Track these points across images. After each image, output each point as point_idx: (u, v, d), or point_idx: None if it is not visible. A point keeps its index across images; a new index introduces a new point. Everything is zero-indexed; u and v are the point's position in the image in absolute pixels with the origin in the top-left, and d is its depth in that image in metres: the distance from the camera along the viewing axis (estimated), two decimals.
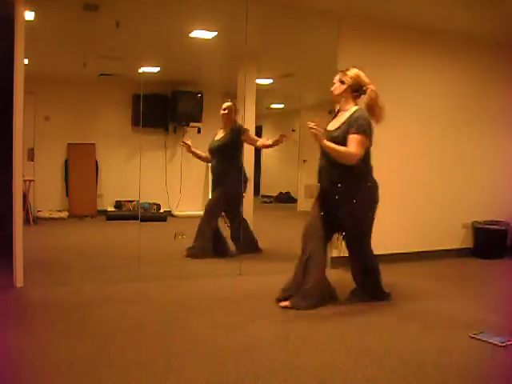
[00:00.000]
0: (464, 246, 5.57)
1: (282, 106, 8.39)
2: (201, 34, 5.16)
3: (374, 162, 5.03)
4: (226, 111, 5.04)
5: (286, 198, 8.48)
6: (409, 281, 4.44)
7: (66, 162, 6.51)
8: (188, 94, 6.12)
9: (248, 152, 5.85)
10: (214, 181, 5.11)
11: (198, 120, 6.25)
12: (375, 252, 5.05)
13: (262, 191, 8.49)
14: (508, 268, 5.19)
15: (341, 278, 4.53)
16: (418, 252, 5.24)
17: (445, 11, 4.61)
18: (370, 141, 3.53)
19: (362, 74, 3.54)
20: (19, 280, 3.80)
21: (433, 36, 5.19)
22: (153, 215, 6.68)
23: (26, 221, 5.24)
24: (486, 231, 5.50)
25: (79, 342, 2.72)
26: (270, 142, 4.96)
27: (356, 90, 3.52)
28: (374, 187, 3.62)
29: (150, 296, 3.73)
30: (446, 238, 5.45)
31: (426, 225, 5.29)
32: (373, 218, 3.67)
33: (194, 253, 4.92)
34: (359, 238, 3.73)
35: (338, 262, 4.83)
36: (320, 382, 2.35)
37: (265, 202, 8.64)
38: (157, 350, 2.67)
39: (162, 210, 6.81)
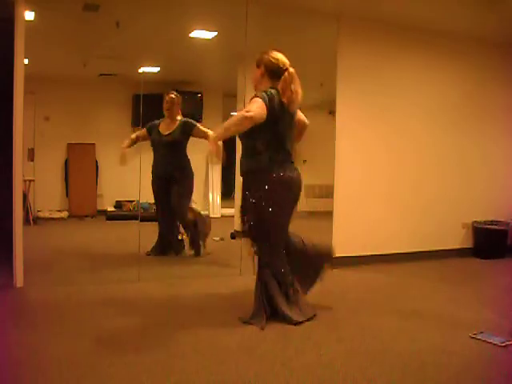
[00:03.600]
0: (464, 246, 5.58)
1: None
2: (201, 33, 5.16)
3: (374, 162, 5.05)
4: (168, 105, 4.93)
5: None
6: (409, 281, 4.44)
7: (66, 161, 6.51)
8: (188, 94, 6.11)
9: None
10: (167, 175, 4.95)
11: (198, 120, 6.24)
12: (377, 252, 5.09)
13: None
14: (508, 268, 5.19)
15: (341, 278, 4.53)
16: (419, 252, 5.25)
17: (445, 11, 4.61)
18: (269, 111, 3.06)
19: (279, 55, 3.23)
20: (19, 280, 3.81)
21: (433, 36, 5.19)
22: (153, 215, 6.67)
23: (26, 221, 5.23)
24: (485, 231, 5.50)
25: (79, 342, 2.72)
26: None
27: (273, 72, 3.19)
28: None
29: (150, 296, 3.73)
30: (446, 238, 5.45)
31: (426, 225, 5.29)
32: None
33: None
34: None
35: (338, 261, 4.84)
36: (320, 382, 2.35)
37: None
38: (157, 349, 2.67)
39: None
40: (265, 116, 3.01)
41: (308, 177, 7.46)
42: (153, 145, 5.00)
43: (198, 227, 5.01)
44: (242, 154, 3.27)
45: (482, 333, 3.00)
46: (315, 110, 7.54)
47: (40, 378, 2.30)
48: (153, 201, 6.76)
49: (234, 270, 4.49)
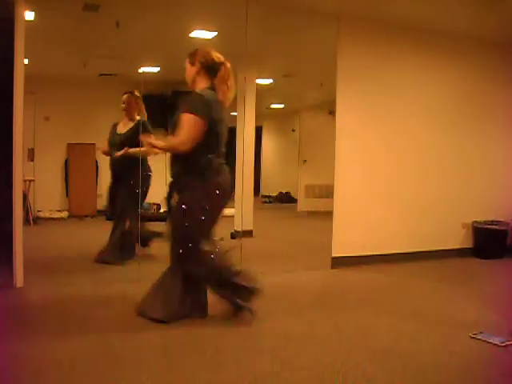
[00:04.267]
0: (464, 246, 5.57)
1: (282, 106, 8.40)
2: (201, 34, 5.16)
3: (374, 162, 5.05)
4: (125, 105, 4.81)
5: (286, 198, 8.50)
6: (409, 281, 4.44)
7: (66, 161, 6.51)
8: (188, 94, 6.11)
9: (248, 151, 5.85)
10: (117, 175, 4.87)
11: None
12: (377, 252, 5.08)
13: (262, 191, 8.49)
14: (508, 268, 5.19)
15: (341, 278, 4.53)
16: (419, 252, 5.25)
17: (445, 11, 4.61)
18: (207, 122, 2.96)
19: (213, 51, 3.14)
20: (19, 280, 3.80)
21: (433, 36, 5.19)
22: (153, 215, 6.67)
23: (26, 221, 5.23)
24: (485, 231, 5.50)
25: (79, 342, 2.72)
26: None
27: (210, 69, 3.10)
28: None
29: None
30: (446, 237, 5.45)
31: (426, 225, 5.29)
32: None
33: (103, 258, 4.62)
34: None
35: (338, 261, 4.84)
36: (320, 382, 2.35)
37: (265, 202, 8.64)
38: (157, 349, 2.67)
39: (161, 210, 6.80)
40: (201, 131, 2.93)
41: (308, 177, 7.52)
42: (109, 144, 4.88)
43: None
44: (173, 155, 3.16)
45: (481, 333, 3.00)
46: (315, 109, 7.57)
47: (40, 378, 2.30)
48: (153, 201, 6.78)
49: None
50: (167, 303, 3.10)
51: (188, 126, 2.94)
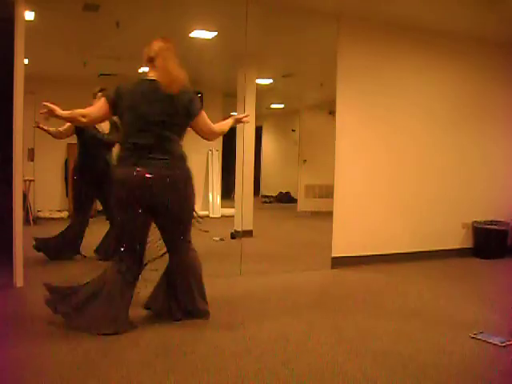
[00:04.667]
0: (464, 246, 5.57)
1: (282, 106, 8.40)
2: (201, 34, 5.17)
3: (374, 162, 5.05)
4: None
5: (286, 198, 8.50)
6: (409, 281, 4.44)
7: (66, 162, 6.51)
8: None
9: (248, 151, 5.85)
10: (99, 175, 4.72)
11: None
12: (377, 252, 5.08)
13: (262, 191, 8.50)
14: (508, 268, 5.19)
15: (341, 278, 4.54)
16: (419, 252, 5.25)
17: (445, 11, 4.61)
18: (113, 106, 3.04)
19: (154, 43, 3.14)
20: (19, 280, 3.80)
21: (433, 36, 5.19)
22: None
23: (26, 221, 5.23)
24: (485, 231, 5.50)
25: (79, 342, 2.72)
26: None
27: (150, 61, 3.12)
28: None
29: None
30: (446, 238, 5.45)
31: (426, 225, 5.29)
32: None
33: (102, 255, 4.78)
34: None
35: (338, 261, 4.84)
36: (320, 382, 2.35)
37: (265, 202, 8.65)
38: (156, 350, 2.67)
39: None
40: (106, 114, 3.10)
41: (308, 177, 7.51)
42: (87, 141, 4.74)
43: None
44: None
45: (481, 333, 3.00)
46: (315, 109, 7.57)
47: (41, 378, 2.30)
48: None
49: (234, 270, 4.49)
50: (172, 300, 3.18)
51: (95, 104, 3.21)
